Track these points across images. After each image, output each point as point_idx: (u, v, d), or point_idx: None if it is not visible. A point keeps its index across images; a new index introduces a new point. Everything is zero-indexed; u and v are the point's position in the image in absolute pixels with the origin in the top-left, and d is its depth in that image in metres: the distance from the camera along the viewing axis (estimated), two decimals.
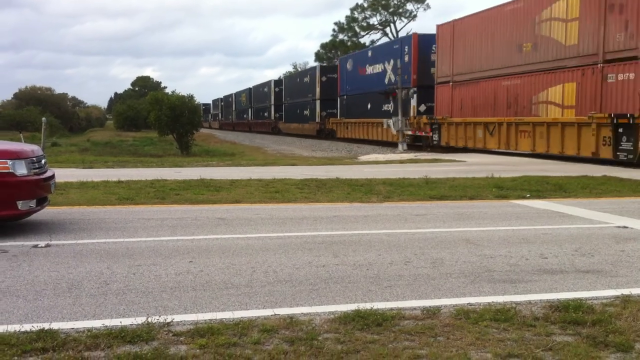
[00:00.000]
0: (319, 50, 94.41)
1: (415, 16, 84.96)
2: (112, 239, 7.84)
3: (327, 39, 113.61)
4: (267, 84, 71.91)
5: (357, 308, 4.94)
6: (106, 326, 4.58)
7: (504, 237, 8.22)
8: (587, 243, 7.83)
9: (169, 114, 35.90)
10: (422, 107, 34.13)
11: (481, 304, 5.21)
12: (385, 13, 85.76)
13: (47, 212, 9.50)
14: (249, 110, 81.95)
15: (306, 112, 54.69)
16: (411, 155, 27.90)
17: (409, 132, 33.95)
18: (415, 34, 35.82)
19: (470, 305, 5.18)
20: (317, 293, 5.55)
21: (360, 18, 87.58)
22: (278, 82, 68.80)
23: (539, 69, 24.41)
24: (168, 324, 4.65)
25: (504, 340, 4.38)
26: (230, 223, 9.09)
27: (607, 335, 4.44)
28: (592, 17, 21.55)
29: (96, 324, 4.66)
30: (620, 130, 20.12)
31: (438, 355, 4.09)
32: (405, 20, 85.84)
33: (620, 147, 20.15)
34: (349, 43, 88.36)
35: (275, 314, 4.92)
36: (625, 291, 5.59)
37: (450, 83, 30.66)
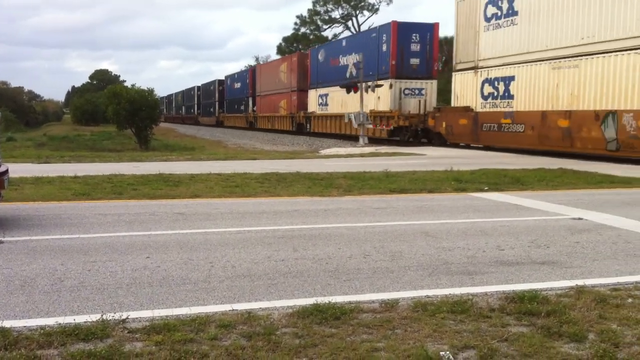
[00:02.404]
0: (281, 44, 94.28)
1: (377, 10, 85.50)
2: (67, 235, 7.68)
3: (287, 31, 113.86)
4: (193, 89, 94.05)
5: (315, 302, 4.93)
6: (60, 324, 4.48)
7: (463, 229, 8.30)
8: (543, 235, 7.96)
9: (128, 108, 35.38)
10: (255, 107, 61.29)
11: (439, 296, 5.25)
12: (348, 7, 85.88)
13: (0, 208, 9.27)
14: (183, 107, 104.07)
15: (212, 110, 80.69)
16: (372, 149, 28.03)
17: (369, 126, 34.15)
18: (251, 68, 67.40)
19: (428, 297, 5.21)
20: (275, 287, 5.52)
21: (322, 11, 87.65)
22: (199, 88, 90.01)
23: (279, 92, 52.84)
24: (123, 320, 4.58)
25: (460, 331, 4.42)
26: (189, 218, 8.99)
27: (561, 325, 4.51)
28: (289, 72, 50.39)
29: (49, 321, 4.56)
30: (305, 120, 47.04)
31: (395, 348, 4.10)
32: (368, 14, 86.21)
33: (306, 129, 46.66)
34: (311, 36, 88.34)
35: (233, 309, 4.88)
36: (580, 282, 5.68)
37: (259, 95, 59.27)
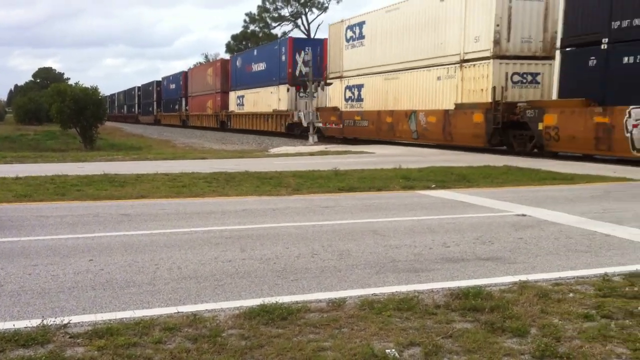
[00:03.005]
0: (229, 42, 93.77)
1: (326, 8, 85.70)
2: (7, 238, 7.45)
3: (236, 29, 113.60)
4: (134, 89, 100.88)
5: (262, 303, 4.90)
6: None
7: (410, 227, 8.38)
8: (488, 231, 8.09)
9: (72, 107, 34.59)
10: (187, 107, 69.40)
11: (385, 294, 5.28)
12: (297, 4, 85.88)
13: None
14: (125, 106, 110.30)
15: (150, 109, 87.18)
16: (321, 147, 28.08)
17: (320, 125, 34.27)
18: (184, 72, 72.21)
19: (375, 295, 5.24)
20: (222, 289, 5.47)
21: (271, 9, 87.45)
22: (139, 88, 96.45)
23: (207, 93, 61.07)
24: (65, 325, 4.46)
25: (406, 329, 4.45)
26: (134, 219, 8.84)
27: (505, 320, 4.58)
28: (214, 75, 57.78)
29: None
30: (226, 118, 54.82)
31: (342, 347, 4.11)
32: (317, 12, 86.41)
33: (228, 126, 54.35)
34: (260, 34, 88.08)
35: (178, 312, 4.82)
36: (523, 277, 5.80)
37: (191, 96, 67.16)
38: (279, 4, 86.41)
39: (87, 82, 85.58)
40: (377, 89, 30.73)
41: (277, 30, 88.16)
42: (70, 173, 14.32)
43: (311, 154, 24.09)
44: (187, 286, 5.53)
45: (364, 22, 32.23)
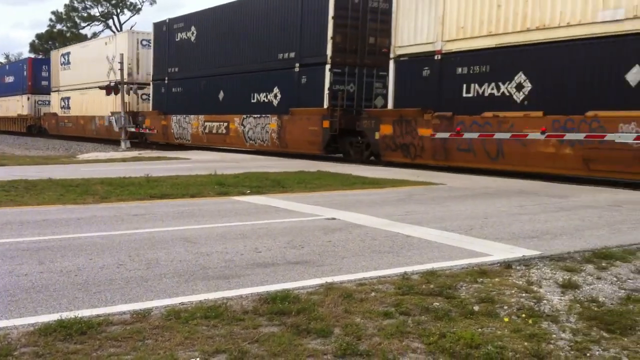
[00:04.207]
0: (34, 41, 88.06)
1: (140, 10, 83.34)
2: None
3: (41, 28, 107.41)
4: None
5: (60, 317, 4.59)
6: None
7: (222, 233, 8.32)
8: (299, 235, 8.25)
9: None
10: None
11: (193, 302, 5.17)
12: (108, 5, 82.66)
13: None
14: None
15: None
16: (135, 153, 27.20)
17: (132, 129, 33.26)
18: None
19: (183, 304, 5.11)
20: (16, 305, 5.05)
21: (80, 8, 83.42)
22: None
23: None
24: None
25: (212, 336, 4.39)
26: None
27: (310, 322, 4.68)
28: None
29: None
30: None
31: (144, 359, 3.95)
32: (129, 13, 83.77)
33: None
34: (68, 34, 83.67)
35: None
36: (329, 279, 5.96)
37: None
38: (89, 3, 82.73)
39: None
40: (77, 101, 43.48)
41: (87, 31, 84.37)
42: None
43: (124, 159, 23.24)
44: None
45: (70, 52, 46.16)
